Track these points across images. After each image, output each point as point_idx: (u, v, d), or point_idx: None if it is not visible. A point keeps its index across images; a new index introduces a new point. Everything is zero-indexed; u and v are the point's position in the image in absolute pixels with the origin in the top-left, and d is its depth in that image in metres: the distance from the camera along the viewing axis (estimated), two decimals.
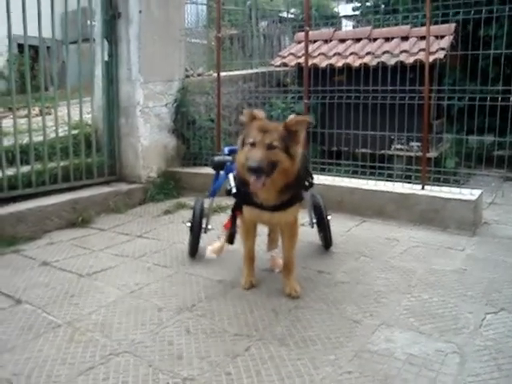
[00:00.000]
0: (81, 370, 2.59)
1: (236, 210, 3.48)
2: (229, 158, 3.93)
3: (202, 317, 3.14)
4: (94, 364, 2.64)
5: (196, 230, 4.05)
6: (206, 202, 4.23)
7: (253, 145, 3.01)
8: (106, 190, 5.72)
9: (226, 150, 4.10)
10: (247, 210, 3.39)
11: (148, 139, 6.14)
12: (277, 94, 7.39)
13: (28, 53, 5.22)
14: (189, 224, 4.11)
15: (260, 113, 3.22)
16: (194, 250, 4.13)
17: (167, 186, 6.16)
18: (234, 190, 3.42)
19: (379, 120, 5.84)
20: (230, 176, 3.61)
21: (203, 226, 4.13)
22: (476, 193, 4.91)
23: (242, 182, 3.24)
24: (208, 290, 3.53)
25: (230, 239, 3.57)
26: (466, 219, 4.72)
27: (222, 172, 4.00)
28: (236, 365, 2.62)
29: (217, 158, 4.09)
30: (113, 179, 6.07)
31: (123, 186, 5.93)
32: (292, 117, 3.15)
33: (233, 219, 3.53)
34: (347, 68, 7.23)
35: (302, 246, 4.00)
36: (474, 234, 4.66)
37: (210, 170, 6.18)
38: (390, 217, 5.03)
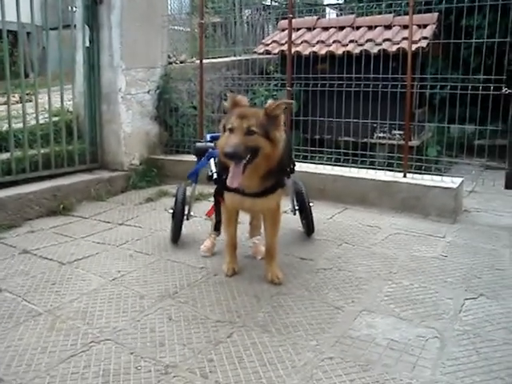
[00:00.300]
0: (62, 357, 2.58)
1: (218, 196, 3.48)
2: (211, 144, 3.92)
3: (184, 304, 3.14)
4: (76, 352, 2.63)
5: (178, 217, 4.04)
6: (189, 190, 4.22)
7: (231, 130, 3.00)
8: (87, 177, 5.67)
9: (208, 136, 4.10)
10: (229, 197, 3.37)
11: (130, 126, 6.09)
12: (260, 82, 7.36)
13: (7, 38, 5.12)
14: (171, 211, 4.10)
15: (243, 99, 3.20)
16: (176, 237, 4.12)
17: (149, 174, 6.13)
18: (214, 176, 3.42)
19: (362, 108, 5.85)
20: (211, 161, 3.61)
21: (185, 212, 4.12)
22: (457, 181, 4.96)
23: (223, 168, 3.23)
24: (190, 277, 3.52)
25: (217, 227, 3.56)
26: (447, 207, 4.77)
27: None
28: (218, 351, 2.62)
29: (199, 145, 4.10)
30: (95, 167, 6.02)
31: (105, 174, 5.88)
32: (271, 101, 3.11)
33: (216, 206, 3.51)
34: (330, 56, 7.22)
35: (284, 233, 4.02)
36: (454, 221, 4.72)
37: (192, 158, 6.14)
38: (372, 204, 5.06)
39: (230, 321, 2.93)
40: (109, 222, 4.78)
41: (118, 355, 2.60)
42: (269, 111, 3.05)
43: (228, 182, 3.04)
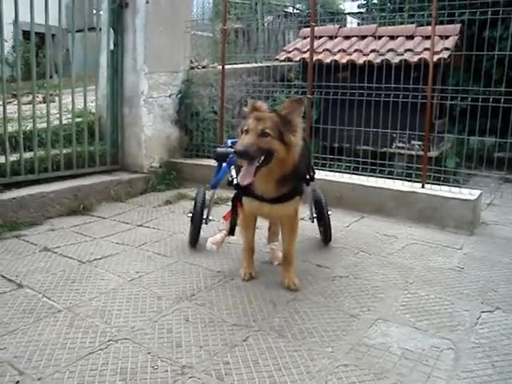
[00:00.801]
0: (80, 354, 2.63)
1: (236, 201, 3.50)
2: (231, 149, 3.92)
3: (201, 306, 3.18)
4: (94, 349, 2.68)
5: (197, 221, 4.08)
6: (208, 194, 4.26)
7: (246, 132, 3.03)
8: (107, 178, 5.74)
9: (229, 142, 4.11)
10: (247, 202, 3.40)
11: (151, 129, 6.17)
12: (280, 89, 7.40)
13: (34, 40, 5.23)
14: (190, 214, 4.14)
15: (262, 105, 3.23)
16: (194, 241, 4.16)
17: (169, 177, 6.19)
18: (235, 181, 3.42)
19: (381, 118, 5.86)
20: (232, 168, 3.64)
21: (204, 216, 4.15)
22: (475, 193, 4.94)
23: None
24: (207, 280, 3.56)
25: (231, 230, 3.59)
26: (465, 219, 4.76)
27: (224, 164, 4.02)
28: (234, 354, 2.65)
29: (219, 150, 4.11)
30: (115, 168, 6.10)
31: (125, 176, 5.96)
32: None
33: (233, 210, 3.54)
34: (351, 65, 7.24)
35: (301, 240, 4.04)
36: (471, 233, 4.70)
37: (211, 162, 6.21)
38: (389, 214, 5.06)
39: (246, 325, 2.96)
40: (128, 223, 4.85)
41: (136, 354, 2.64)
42: (281, 112, 3.06)
43: (239, 179, 3.08)
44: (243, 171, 3.04)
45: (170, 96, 6.37)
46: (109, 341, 2.76)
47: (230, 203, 3.63)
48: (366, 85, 5.85)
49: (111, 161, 6.06)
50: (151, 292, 3.37)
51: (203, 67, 7.12)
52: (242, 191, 3.33)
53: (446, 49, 7.07)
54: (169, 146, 6.43)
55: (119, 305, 3.18)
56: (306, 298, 3.31)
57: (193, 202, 4.23)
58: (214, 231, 4.52)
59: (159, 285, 3.48)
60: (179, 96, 6.44)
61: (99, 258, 3.94)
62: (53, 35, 8.76)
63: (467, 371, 2.55)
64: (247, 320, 3.02)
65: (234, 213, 3.54)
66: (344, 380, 2.46)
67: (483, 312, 3.19)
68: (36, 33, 5.18)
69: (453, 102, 5.59)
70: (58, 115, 5.52)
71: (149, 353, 2.66)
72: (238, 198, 3.45)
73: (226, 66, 6.47)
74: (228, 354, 2.66)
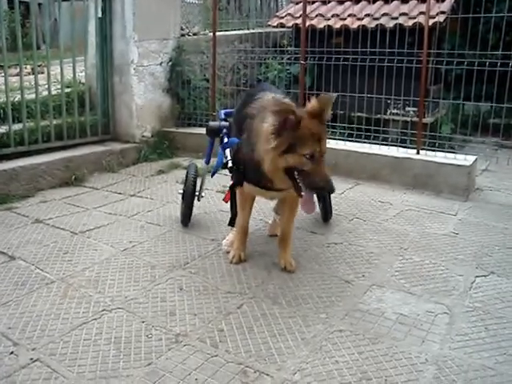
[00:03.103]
0: (74, 324, 2.62)
1: (235, 188, 3.26)
2: (225, 123, 3.66)
3: (194, 274, 3.16)
4: (88, 319, 2.67)
5: (189, 199, 3.88)
6: (200, 167, 4.16)
7: (312, 157, 2.71)
8: (99, 149, 5.68)
9: (222, 113, 3.85)
10: (249, 188, 3.16)
11: (142, 98, 6.07)
12: (273, 55, 7.27)
13: (18, 9, 5.08)
14: (181, 191, 3.96)
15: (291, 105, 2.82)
16: (186, 220, 3.97)
17: (161, 146, 6.13)
18: (230, 164, 3.16)
19: (376, 84, 5.78)
20: (227, 152, 3.30)
21: (196, 193, 3.97)
22: (470, 159, 4.91)
23: (240, 160, 3.05)
24: (201, 249, 3.55)
25: (231, 222, 3.40)
26: (460, 184, 4.74)
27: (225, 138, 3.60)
28: (228, 322, 2.65)
29: (211, 124, 3.81)
30: (106, 138, 6.03)
31: (117, 146, 5.89)
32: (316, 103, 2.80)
33: (233, 200, 3.30)
34: (345, 30, 7.11)
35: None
36: (466, 199, 4.69)
37: (203, 131, 6.17)
38: (384, 180, 5.03)
39: (240, 292, 2.96)
40: (120, 194, 4.81)
41: (130, 323, 2.63)
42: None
43: (303, 209, 2.90)
44: (305, 200, 2.83)
45: (160, 64, 6.25)
46: (102, 310, 2.76)
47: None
48: (359, 50, 5.74)
49: (102, 131, 5.98)
50: (144, 261, 3.35)
51: (194, 34, 6.98)
52: (242, 178, 3.11)
53: (442, 12, 6.92)
54: (160, 114, 6.34)
55: (112, 275, 3.16)
56: (300, 265, 3.30)
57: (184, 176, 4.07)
58: (206, 201, 4.50)
59: (152, 254, 3.46)
60: (170, 64, 6.32)
61: (92, 229, 3.91)
62: (39, 4, 8.60)
63: (461, 335, 2.56)
64: (241, 287, 3.01)
65: (233, 203, 3.30)
66: (339, 345, 2.46)
67: (477, 276, 3.19)
68: (21, 1, 5.02)
69: (448, 67, 5.52)
70: (46, 86, 5.41)
71: (143, 322, 2.65)
72: (238, 184, 3.20)
73: (218, 33, 6.36)
74: (222, 321, 2.66)
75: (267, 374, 2.25)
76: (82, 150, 5.53)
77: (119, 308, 2.78)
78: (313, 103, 2.80)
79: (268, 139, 2.71)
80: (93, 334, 2.54)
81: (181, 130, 6.37)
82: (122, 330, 2.58)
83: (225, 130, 3.55)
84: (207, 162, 4.01)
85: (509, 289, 3.04)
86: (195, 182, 3.94)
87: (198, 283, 3.05)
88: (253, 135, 2.89)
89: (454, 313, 2.77)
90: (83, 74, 5.91)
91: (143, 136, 6.11)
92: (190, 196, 3.89)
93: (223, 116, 3.79)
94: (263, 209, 4.16)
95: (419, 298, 2.92)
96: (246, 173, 3.05)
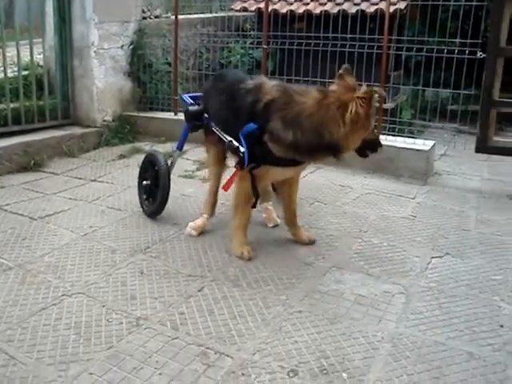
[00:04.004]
0: (33, 310, 2.59)
1: (250, 172, 3.12)
2: (201, 107, 3.54)
3: (155, 258, 3.16)
4: (47, 305, 2.65)
5: (165, 191, 3.65)
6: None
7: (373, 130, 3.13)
8: (59, 133, 5.56)
9: (188, 96, 3.75)
10: (269, 169, 3.12)
11: (103, 82, 5.96)
12: (236, 39, 7.24)
13: None
14: (145, 182, 3.79)
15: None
16: (159, 212, 3.76)
17: (122, 130, 6.04)
18: (242, 149, 3.05)
19: (338, 69, 5.81)
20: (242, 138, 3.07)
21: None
22: (429, 144, 5.02)
23: (257, 144, 3.00)
24: (162, 233, 3.54)
25: (255, 205, 3.29)
26: (419, 169, 4.84)
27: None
28: (189, 305, 2.67)
29: (192, 109, 3.59)
30: (66, 122, 5.90)
31: (77, 130, 5.77)
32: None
33: (253, 182, 3.16)
34: (308, 15, 7.13)
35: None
36: (425, 183, 4.80)
37: (166, 115, 6.14)
38: (345, 165, 5.06)
39: (201, 275, 2.97)
40: (81, 179, 4.73)
41: (90, 308, 2.62)
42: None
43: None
44: None
45: (121, 47, 6.14)
46: (62, 296, 2.73)
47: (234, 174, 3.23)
48: (322, 35, 5.77)
49: (62, 115, 5.85)
50: (105, 246, 3.32)
51: (156, 17, 6.87)
52: (264, 160, 3.05)
53: None
54: (122, 98, 6.24)
55: (72, 260, 3.13)
56: (260, 248, 3.34)
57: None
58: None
59: (113, 238, 3.44)
60: (131, 47, 6.21)
61: (51, 214, 3.85)
62: None
63: (416, 313, 2.65)
64: (202, 270, 3.03)
65: (254, 185, 3.15)
66: (298, 326, 2.51)
67: (433, 258, 3.29)
68: None
69: (408, 53, 5.60)
70: (2, 68, 5.26)
71: (103, 306, 2.64)
72: (256, 168, 3.10)
73: (180, 16, 6.28)
74: (183, 304, 2.67)
75: (227, 355, 2.28)
76: (42, 134, 5.39)
77: (79, 293, 2.76)
78: (363, 90, 2.95)
79: (354, 121, 2.88)
80: (52, 319, 2.52)
81: (142, 114, 6.29)
82: (82, 315, 2.56)
83: (205, 115, 3.46)
84: (180, 148, 3.85)
85: (462, 269, 3.15)
86: (169, 173, 3.69)
87: (159, 267, 3.05)
88: (308, 120, 2.92)
89: (410, 293, 2.85)
90: (41, 56, 5.77)
91: (104, 120, 6.01)
92: (166, 189, 3.65)
93: (190, 100, 3.70)
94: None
95: (377, 279, 2.99)
96: (272, 155, 3.01)
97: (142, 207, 3.87)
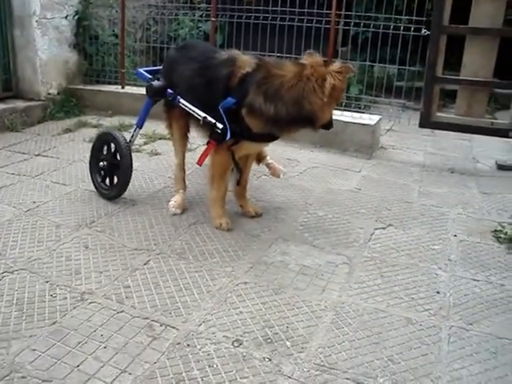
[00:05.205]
0: None
1: (229, 147, 3.12)
2: (166, 82, 3.41)
3: (101, 233, 3.13)
4: None
5: (127, 173, 3.52)
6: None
7: None
8: (0, 106, 5.36)
9: (143, 70, 3.60)
10: (247, 144, 3.17)
11: (47, 53, 5.77)
12: (185, 11, 7.12)
13: None
14: (102, 164, 3.64)
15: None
16: (122, 192, 3.61)
17: (68, 104, 5.89)
18: (220, 126, 3.04)
19: (286, 43, 5.82)
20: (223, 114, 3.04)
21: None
22: (374, 118, 5.12)
23: (235, 119, 3.02)
24: (108, 207, 3.50)
25: (239, 182, 3.41)
26: (365, 143, 4.94)
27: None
28: (135, 278, 2.66)
29: (156, 84, 3.42)
30: (8, 95, 5.70)
31: (20, 103, 5.59)
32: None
33: (235, 161, 3.23)
34: None
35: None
36: (370, 157, 4.90)
37: (113, 88, 6.02)
38: (293, 139, 5.09)
39: (147, 248, 2.97)
40: (24, 153, 4.60)
41: (33, 284, 2.58)
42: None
43: None
44: None
45: (66, 17, 5.94)
46: (3, 273, 2.67)
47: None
48: (270, 9, 5.74)
49: (4, 87, 5.65)
50: (49, 221, 3.26)
51: None
52: (246, 135, 3.09)
53: None
54: (67, 71, 6.07)
55: (15, 236, 3.06)
56: (207, 221, 3.35)
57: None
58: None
59: (57, 213, 3.37)
60: (76, 17, 6.02)
61: None
62: None
63: (359, 282, 2.73)
64: (148, 244, 3.02)
65: (235, 161, 3.23)
66: (243, 296, 2.55)
67: (377, 229, 3.39)
68: None
69: (356, 29, 5.65)
70: None
71: (47, 281, 2.61)
72: (235, 143, 3.12)
73: None
74: (129, 277, 2.66)
75: (173, 327, 2.30)
76: None
77: (22, 269, 2.71)
78: (339, 65, 3.01)
79: (331, 94, 2.95)
80: None
81: (89, 87, 6.15)
82: (25, 291, 2.52)
83: (170, 91, 3.34)
84: (140, 126, 3.64)
85: (404, 239, 3.26)
86: (130, 152, 3.52)
87: (104, 241, 3.03)
88: (289, 92, 2.95)
89: (353, 263, 2.93)
90: None
91: (49, 93, 5.84)
92: (130, 169, 3.52)
93: (146, 74, 3.56)
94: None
95: (322, 250, 3.06)
96: (248, 130, 3.05)
97: (98, 190, 3.67)
